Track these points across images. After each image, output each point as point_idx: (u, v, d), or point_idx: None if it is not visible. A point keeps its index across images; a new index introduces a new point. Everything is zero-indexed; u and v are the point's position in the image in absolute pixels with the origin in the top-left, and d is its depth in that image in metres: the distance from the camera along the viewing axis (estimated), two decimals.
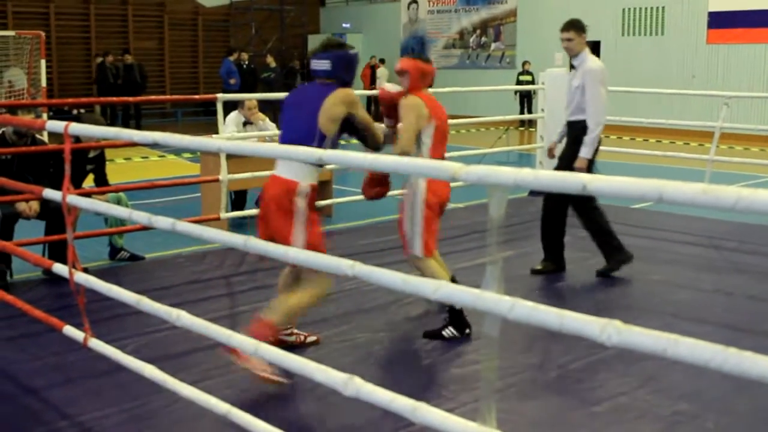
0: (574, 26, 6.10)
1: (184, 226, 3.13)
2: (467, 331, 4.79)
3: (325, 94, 4.30)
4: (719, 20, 17.93)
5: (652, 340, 1.72)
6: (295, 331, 4.74)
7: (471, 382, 4.13)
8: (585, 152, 6.01)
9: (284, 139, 4.33)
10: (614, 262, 6.20)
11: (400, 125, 4.77)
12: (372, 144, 4.64)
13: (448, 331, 4.78)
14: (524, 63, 20.84)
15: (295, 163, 4.15)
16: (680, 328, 4.85)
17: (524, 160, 14.13)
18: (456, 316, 4.78)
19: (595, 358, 4.42)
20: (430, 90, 5.06)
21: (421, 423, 2.17)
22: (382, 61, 23.41)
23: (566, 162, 6.13)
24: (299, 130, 4.27)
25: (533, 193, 9.11)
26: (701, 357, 1.66)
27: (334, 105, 4.26)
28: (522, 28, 21.77)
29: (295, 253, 2.54)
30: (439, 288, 2.06)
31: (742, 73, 17.29)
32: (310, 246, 4.09)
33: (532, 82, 19.32)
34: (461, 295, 2.05)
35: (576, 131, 6.13)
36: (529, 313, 1.89)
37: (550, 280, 6.14)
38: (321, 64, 4.44)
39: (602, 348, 4.37)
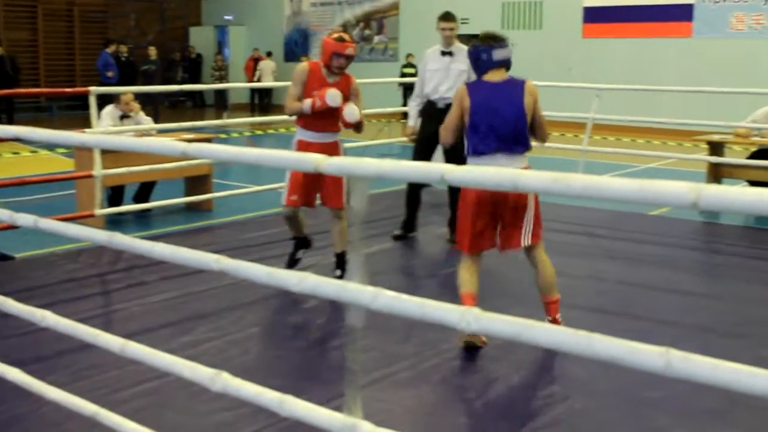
0: (455, 18, 7.03)
1: (47, 223, 3.03)
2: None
3: (521, 86, 4.55)
4: (593, 15, 18.51)
5: (508, 326, 1.76)
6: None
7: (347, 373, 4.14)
8: None
9: (506, 139, 4.47)
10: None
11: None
12: (542, 137, 4.83)
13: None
14: (408, 56, 21.03)
15: (518, 156, 4.51)
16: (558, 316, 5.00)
17: (407, 151, 14.24)
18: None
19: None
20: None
21: (288, 416, 2.17)
22: (269, 54, 23.20)
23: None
24: (519, 127, 4.48)
25: None
26: (554, 341, 1.70)
27: (530, 96, 4.54)
28: (404, 21, 21.95)
29: (161, 248, 2.48)
30: (303, 280, 2.06)
31: (615, 66, 17.89)
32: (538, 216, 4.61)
33: (415, 75, 19.62)
34: (325, 286, 2.05)
35: None
36: (391, 302, 1.91)
37: (435, 269, 6.22)
38: (506, 53, 4.67)
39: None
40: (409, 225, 7.30)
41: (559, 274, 6.00)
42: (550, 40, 19.09)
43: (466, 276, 4.57)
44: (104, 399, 3.66)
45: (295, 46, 24.17)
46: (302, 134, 5.69)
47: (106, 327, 4.70)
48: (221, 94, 24.08)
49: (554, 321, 4.62)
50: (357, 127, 5.70)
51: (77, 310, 5.02)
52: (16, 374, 3.32)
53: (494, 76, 4.58)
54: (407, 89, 20.45)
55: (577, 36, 18.75)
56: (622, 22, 18.07)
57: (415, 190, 7.28)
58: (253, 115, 21.64)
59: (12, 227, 5.58)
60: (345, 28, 23.31)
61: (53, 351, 4.49)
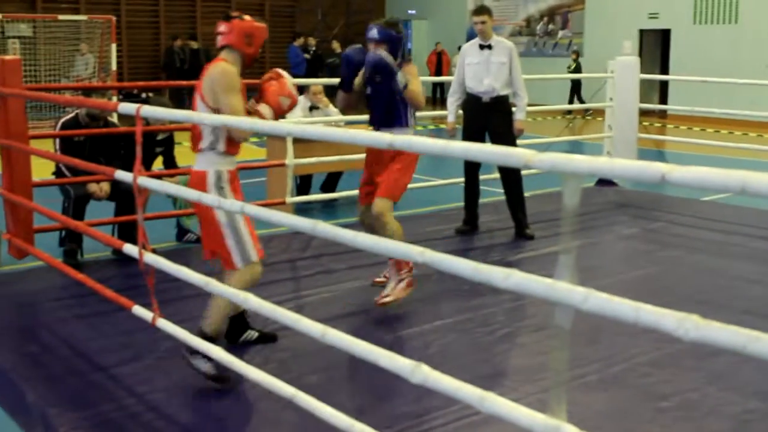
0: (488, 11, 7.02)
1: (252, 209, 3.15)
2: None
3: None
4: None
5: (732, 336, 1.67)
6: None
7: (535, 373, 4.09)
8: (523, 115, 6.95)
9: None
10: (526, 227, 6.99)
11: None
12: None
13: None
14: (573, 52, 20.68)
15: None
16: (753, 325, 4.73)
17: (590, 149, 13.93)
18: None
19: (663, 353, 4.33)
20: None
21: (489, 412, 2.15)
22: (460, 48, 23.36)
23: (504, 134, 6.81)
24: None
25: (601, 182, 8.99)
26: None
27: None
28: (590, 16, 21.44)
29: (363, 238, 2.53)
30: (510, 276, 2.03)
31: None
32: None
33: (579, 70, 19.62)
34: (532, 284, 2.01)
35: (504, 104, 6.93)
36: (603, 305, 1.85)
37: (624, 272, 6.04)
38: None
39: (669, 342, 4.29)
40: (471, 219, 7.20)
41: (758, 283, 5.73)
42: (746, 36, 18.13)
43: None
44: (295, 382, 3.78)
45: None
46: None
47: (297, 312, 4.86)
48: None
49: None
50: None
51: (269, 294, 5.17)
52: (217, 352, 3.48)
53: None
54: (573, 86, 20.21)
55: None
56: None
57: (472, 182, 7.19)
58: (435, 109, 21.78)
59: None
60: (528, 22, 23.07)
61: None
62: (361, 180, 5.38)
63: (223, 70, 4.03)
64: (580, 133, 15.81)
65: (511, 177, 6.99)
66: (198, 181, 4.03)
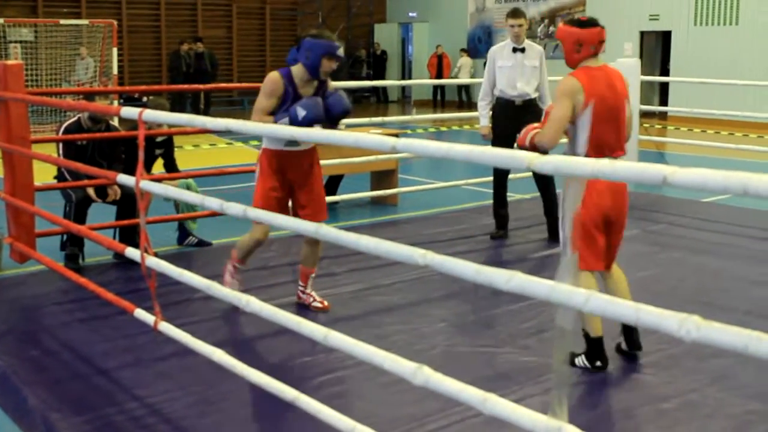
0: (525, 15, 7.00)
1: (255, 212, 3.16)
2: (598, 364, 4.14)
3: None
4: None
5: (733, 337, 1.68)
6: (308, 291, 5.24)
7: (536, 374, 4.09)
8: None
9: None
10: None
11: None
12: None
13: (580, 361, 4.18)
14: None
15: None
16: (755, 326, 4.73)
17: None
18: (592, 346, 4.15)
19: (664, 354, 4.33)
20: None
21: (491, 414, 2.16)
22: (463, 50, 23.29)
23: None
24: None
25: None
26: None
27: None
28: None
29: (366, 240, 2.53)
30: (512, 278, 2.04)
31: None
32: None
33: None
34: (534, 286, 2.02)
35: (534, 106, 6.83)
36: (604, 306, 1.86)
37: (626, 273, 6.03)
38: None
39: (671, 344, 4.30)
40: (501, 223, 7.14)
41: (759, 284, 5.73)
42: (747, 37, 18.12)
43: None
44: (295, 385, 3.78)
45: (479, 43, 24.12)
46: None
47: (298, 314, 4.86)
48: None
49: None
50: None
51: (270, 297, 5.20)
52: (220, 355, 3.48)
53: None
54: None
55: None
56: None
57: (500, 186, 7.14)
58: (436, 112, 21.80)
59: (215, 215, 5.85)
60: (530, 25, 23.08)
61: (249, 334, 4.69)
62: None
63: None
64: None
65: (546, 183, 6.93)
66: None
